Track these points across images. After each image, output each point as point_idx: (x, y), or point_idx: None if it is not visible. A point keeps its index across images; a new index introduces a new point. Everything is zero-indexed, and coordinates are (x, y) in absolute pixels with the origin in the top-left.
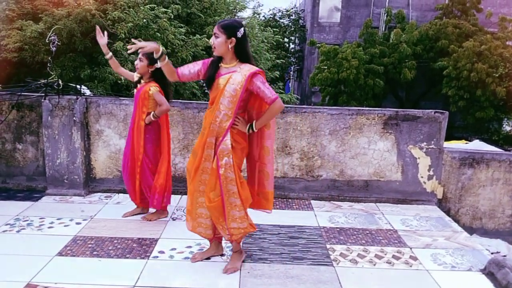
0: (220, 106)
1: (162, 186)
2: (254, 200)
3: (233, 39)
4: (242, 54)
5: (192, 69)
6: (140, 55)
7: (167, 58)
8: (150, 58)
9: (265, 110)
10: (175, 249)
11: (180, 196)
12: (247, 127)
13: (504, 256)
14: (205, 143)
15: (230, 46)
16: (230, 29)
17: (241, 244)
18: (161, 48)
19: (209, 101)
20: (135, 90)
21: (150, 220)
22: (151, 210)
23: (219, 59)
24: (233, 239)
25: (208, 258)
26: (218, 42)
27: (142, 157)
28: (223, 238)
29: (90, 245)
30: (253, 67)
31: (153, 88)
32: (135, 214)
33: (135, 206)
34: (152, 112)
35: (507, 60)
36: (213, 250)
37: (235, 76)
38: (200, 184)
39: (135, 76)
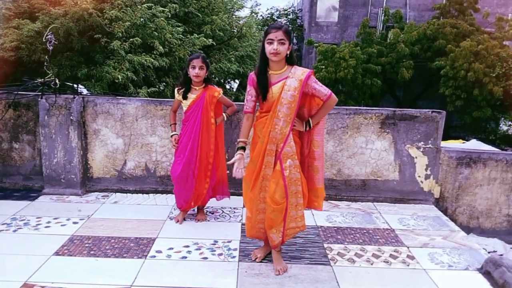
0: (279, 114)
1: (226, 177)
2: (306, 198)
3: (291, 45)
4: (291, 58)
5: (251, 96)
6: (200, 63)
7: (243, 139)
8: (207, 63)
9: (315, 106)
10: (172, 248)
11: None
12: (304, 125)
13: (501, 255)
14: (265, 151)
15: (288, 52)
16: (290, 35)
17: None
18: (242, 153)
19: (261, 109)
20: (185, 102)
21: (202, 220)
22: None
23: (265, 67)
24: (284, 241)
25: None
26: (285, 48)
27: (213, 157)
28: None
29: (87, 245)
30: (304, 70)
31: (220, 92)
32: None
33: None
34: (224, 114)
35: (504, 60)
36: (269, 247)
37: (289, 83)
38: (261, 191)
39: (177, 96)
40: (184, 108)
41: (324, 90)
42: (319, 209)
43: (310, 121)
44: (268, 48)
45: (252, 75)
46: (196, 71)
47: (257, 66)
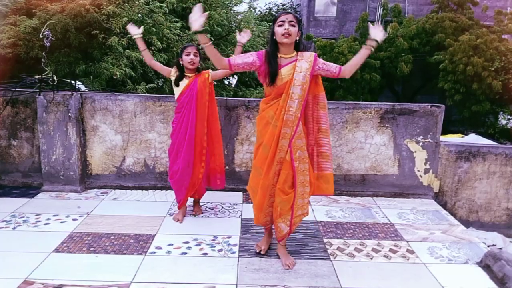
0: (293, 95)
1: (223, 168)
2: (314, 186)
3: (300, 31)
4: (300, 44)
5: (246, 59)
6: (194, 50)
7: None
8: (201, 54)
9: (319, 92)
10: (172, 244)
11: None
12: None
13: (500, 248)
14: (280, 134)
15: (297, 38)
16: (299, 21)
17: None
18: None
19: (268, 95)
20: (177, 89)
21: (199, 213)
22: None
23: (276, 51)
24: (291, 230)
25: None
26: (295, 30)
27: (206, 142)
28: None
29: (86, 241)
30: (311, 52)
31: (209, 72)
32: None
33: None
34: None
35: (503, 53)
36: (270, 237)
37: (300, 64)
38: (275, 175)
39: (173, 72)
40: (176, 95)
41: (334, 65)
42: (331, 194)
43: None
44: (279, 30)
45: (264, 52)
46: (191, 57)
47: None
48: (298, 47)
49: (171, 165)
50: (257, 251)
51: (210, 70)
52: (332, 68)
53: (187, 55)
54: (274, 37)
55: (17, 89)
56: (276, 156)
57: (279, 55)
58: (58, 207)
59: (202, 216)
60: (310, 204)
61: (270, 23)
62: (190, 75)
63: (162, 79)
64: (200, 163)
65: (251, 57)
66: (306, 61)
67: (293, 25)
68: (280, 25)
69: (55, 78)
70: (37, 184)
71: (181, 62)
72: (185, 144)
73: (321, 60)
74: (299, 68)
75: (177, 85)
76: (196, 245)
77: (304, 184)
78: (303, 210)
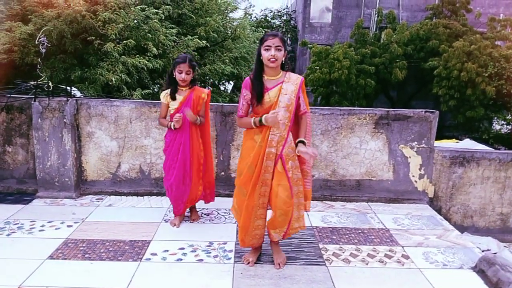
0: (277, 117)
1: (213, 181)
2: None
3: (286, 52)
4: (285, 64)
5: (248, 101)
6: (187, 68)
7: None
8: (193, 66)
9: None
10: (167, 251)
11: None
12: (298, 144)
13: (495, 253)
14: (265, 155)
15: (283, 59)
16: (285, 42)
17: None
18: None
19: (255, 115)
20: (173, 103)
21: (196, 220)
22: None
23: (261, 73)
24: (284, 238)
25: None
26: (281, 54)
27: (203, 159)
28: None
29: (81, 248)
30: (297, 75)
31: (207, 96)
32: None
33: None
34: (200, 118)
35: (496, 59)
36: (259, 250)
37: (285, 86)
38: (260, 197)
39: (164, 98)
40: (172, 111)
41: (305, 104)
42: (307, 210)
43: (304, 140)
44: (266, 55)
45: (248, 80)
46: (182, 76)
47: (253, 71)
48: (283, 66)
49: (165, 179)
50: (245, 263)
51: (208, 93)
52: (304, 105)
53: (180, 72)
54: (261, 58)
55: (12, 95)
56: (261, 176)
57: (265, 77)
58: (53, 214)
59: (198, 222)
60: None
61: (266, 29)
62: (184, 89)
63: (158, 85)
64: (199, 180)
65: (247, 96)
66: (292, 83)
67: (279, 50)
68: (267, 49)
69: (50, 84)
70: (32, 190)
71: (174, 75)
72: (178, 160)
73: (302, 90)
74: (284, 90)
75: (174, 98)
76: (192, 251)
77: (298, 195)
78: (300, 223)
